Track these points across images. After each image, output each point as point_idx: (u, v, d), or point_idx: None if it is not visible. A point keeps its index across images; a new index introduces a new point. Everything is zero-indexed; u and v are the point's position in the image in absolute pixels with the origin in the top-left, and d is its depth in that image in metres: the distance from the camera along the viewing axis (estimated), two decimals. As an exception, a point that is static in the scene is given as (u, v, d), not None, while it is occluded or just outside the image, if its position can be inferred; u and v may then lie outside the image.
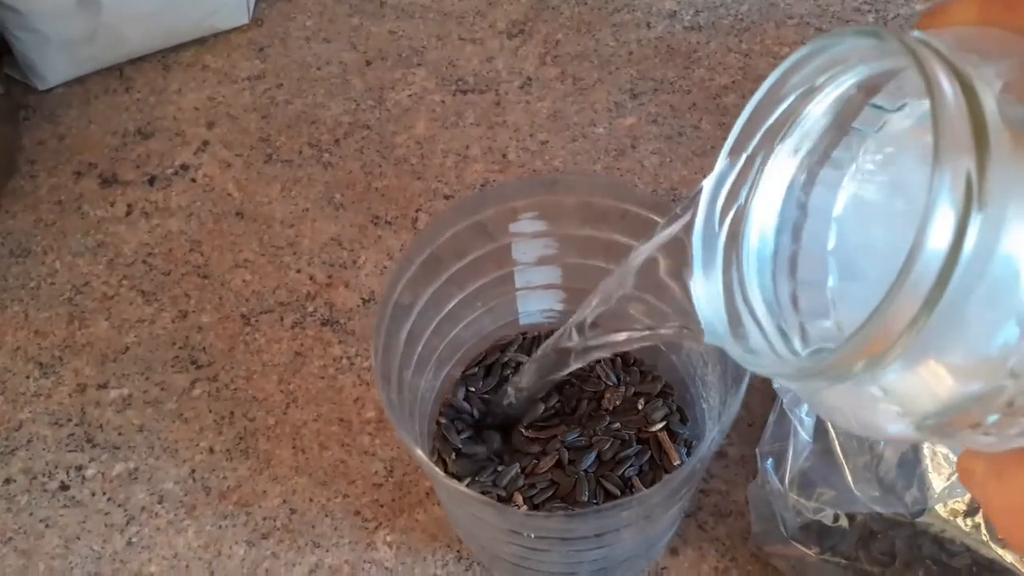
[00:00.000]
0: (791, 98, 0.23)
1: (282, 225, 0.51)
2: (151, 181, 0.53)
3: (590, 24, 0.59)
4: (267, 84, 0.57)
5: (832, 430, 0.38)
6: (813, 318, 0.24)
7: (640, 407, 0.40)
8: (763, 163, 0.24)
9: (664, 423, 0.39)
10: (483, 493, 0.36)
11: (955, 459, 0.36)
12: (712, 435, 0.30)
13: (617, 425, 0.39)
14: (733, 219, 0.25)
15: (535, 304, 0.41)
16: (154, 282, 0.49)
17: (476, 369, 0.41)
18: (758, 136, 0.24)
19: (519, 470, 0.37)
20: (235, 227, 0.51)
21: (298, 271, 0.49)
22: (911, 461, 0.37)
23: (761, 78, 0.61)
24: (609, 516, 0.31)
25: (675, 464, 0.38)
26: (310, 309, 0.48)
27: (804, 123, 0.24)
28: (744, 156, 0.24)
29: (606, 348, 0.30)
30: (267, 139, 0.55)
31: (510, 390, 0.37)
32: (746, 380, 0.30)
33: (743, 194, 0.24)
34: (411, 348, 0.34)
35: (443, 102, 0.56)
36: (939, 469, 0.36)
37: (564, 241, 0.37)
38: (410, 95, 0.56)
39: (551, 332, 0.42)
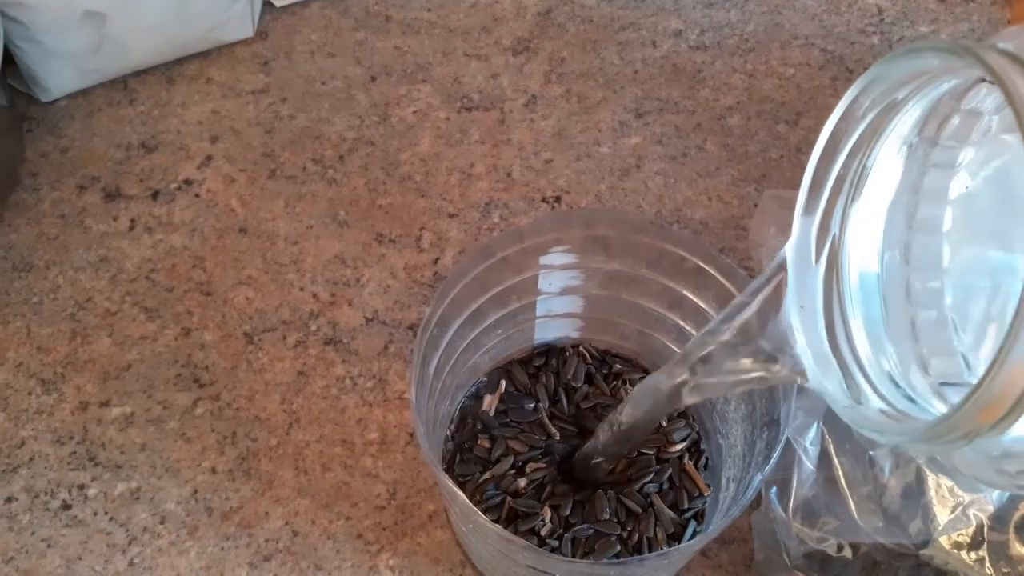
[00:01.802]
0: (871, 115, 0.22)
1: (285, 242, 0.51)
2: (154, 196, 0.53)
3: (595, 42, 0.59)
4: (271, 98, 0.57)
5: (836, 459, 0.38)
6: (935, 344, 0.23)
7: (662, 425, 0.40)
8: (854, 186, 0.23)
9: (685, 443, 0.39)
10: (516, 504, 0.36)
11: (960, 492, 0.36)
12: (755, 483, 0.30)
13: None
14: (829, 251, 0.23)
15: (552, 332, 0.41)
16: (157, 299, 0.49)
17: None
18: (840, 159, 0.23)
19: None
20: (238, 243, 0.51)
21: (301, 289, 0.49)
22: (915, 492, 0.37)
23: (766, 99, 0.61)
24: (648, 564, 0.31)
25: (705, 492, 0.38)
26: (313, 328, 0.48)
27: (892, 140, 0.22)
28: (830, 183, 0.23)
29: (718, 388, 0.28)
30: (271, 154, 0.54)
31: (604, 429, 0.35)
32: (785, 427, 0.29)
33: (835, 223, 0.23)
34: (437, 379, 0.35)
35: (448, 119, 0.56)
36: (943, 501, 0.36)
37: (591, 273, 0.37)
38: (415, 111, 0.56)
39: (563, 348, 0.42)
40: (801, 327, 0.23)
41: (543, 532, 0.37)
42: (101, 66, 0.56)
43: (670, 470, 0.38)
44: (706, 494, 0.38)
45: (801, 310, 0.23)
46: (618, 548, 0.36)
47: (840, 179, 0.23)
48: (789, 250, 0.24)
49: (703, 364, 0.28)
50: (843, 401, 0.22)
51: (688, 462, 0.39)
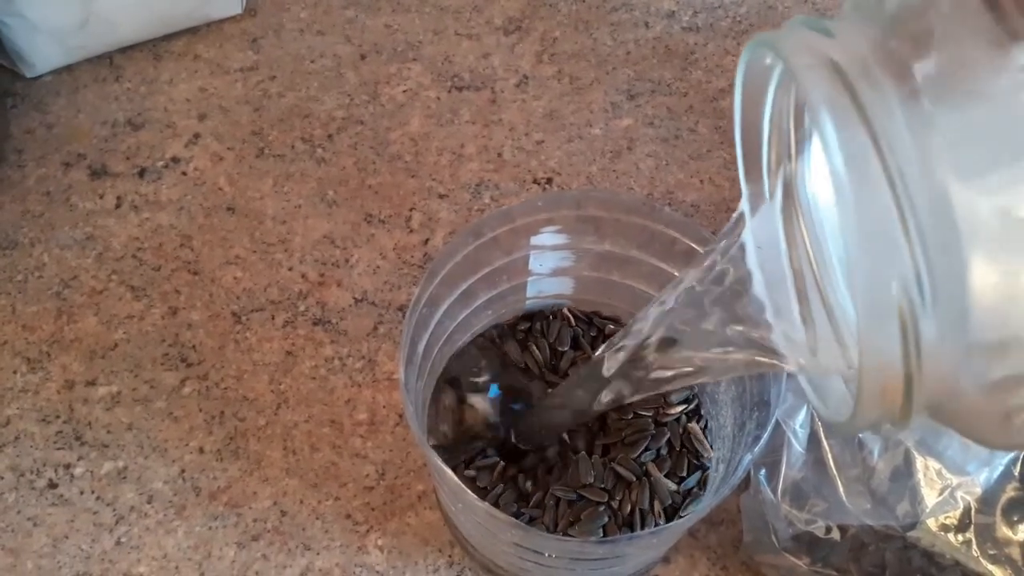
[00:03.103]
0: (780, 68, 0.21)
1: (274, 221, 0.50)
2: (141, 173, 0.52)
3: (588, 23, 0.58)
4: (260, 76, 0.56)
5: (825, 442, 0.38)
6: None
7: None
8: (792, 118, 0.22)
9: (684, 405, 0.37)
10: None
11: (948, 474, 0.36)
12: (745, 463, 0.30)
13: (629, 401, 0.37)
14: (784, 181, 0.23)
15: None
16: (144, 277, 0.48)
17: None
18: (768, 99, 0.22)
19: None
20: (226, 222, 0.50)
21: (290, 269, 0.49)
22: (903, 475, 0.37)
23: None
24: (637, 542, 0.30)
25: (710, 456, 0.36)
26: (302, 308, 0.47)
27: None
28: (766, 122, 0.22)
29: (681, 378, 0.27)
30: (259, 133, 0.54)
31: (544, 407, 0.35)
32: (775, 409, 0.29)
33: (785, 154, 0.22)
34: (426, 359, 0.34)
35: (438, 99, 0.55)
36: (931, 484, 0.36)
37: (581, 254, 0.37)
38: (405, 91, 0.55)
39: (547, 313, 0.41)
40: (761, 267, 0.23)
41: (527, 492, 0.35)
42: (87, 42, 0.55)
43: (668, 434, 0.36)
44: (712, 455, 0.36)
45: (759, 250, 0.23)
46: (606, 519, 0.35)
47: (777, 114, 0.22)
48: (743, 196, 0.23)
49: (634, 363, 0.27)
50: (800, 354, 0.22)
51: (693, 424, 0.37)
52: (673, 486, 0.36)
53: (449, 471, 0.28)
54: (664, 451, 0.36)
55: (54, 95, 0.55)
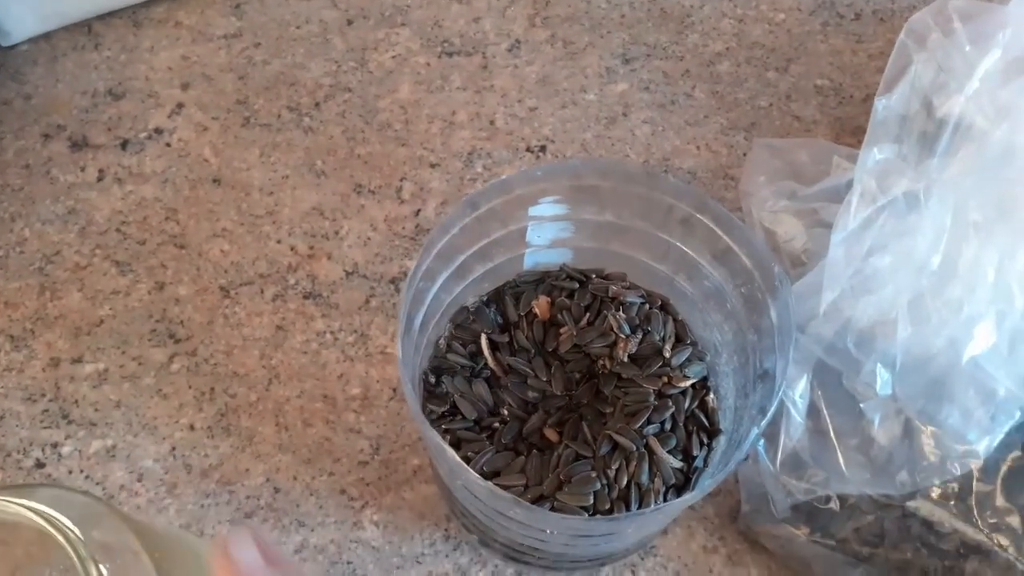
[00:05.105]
0: None
1: (261, 193, 0.49)
2: (123, 145, 0.51)
3: (580, -15, 0.57)
4: (244, 43, 0.55)
5: (825, 411, 0.38)
6: None
7: (666, 354, 0.35)
8: None
9: (694, 378, 0.35)
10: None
11: (948, 443, 0.36)
12: (751, 437, 0.29)
13: (630, 375, 0.34)
14: None
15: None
16: (129, 252, 0.47)
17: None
18: None
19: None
20: (212, 194, 0.49)
21: (278, 241, 0.48)
22: (904, 444, 0.37)
23: (756, 45, 0.60)
24: (641, 519, 0.30)
25: (719, 432, 0.35)
26: (291, 281, 0.47)
27: None
28: None
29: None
30: (244, 101, 0.52)
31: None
32: (781, 381, 0.29)
33: None
34: (421, 334, 0.33)
35: (428, 64, 0.54)
36: (932, 453, 0.36)
37: (580, 224, 0.36)
38: (393, 56, 0.54)
39: (542, 276, 0.39)
40: None
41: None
42: (64, 8, 0.54)
43: (672, 408, 0.34)
44: (720, 431, 0.35)
45: None
46: (598, 486, 0.33)
47: None
48: None
49: None
50: None
51: (710, 397, 0.35)
52: (678, 463, 0.34)
53: (449, 449, 0.27)
54: (668, 426, 0.34)
55: (31, 64, 0.54)
